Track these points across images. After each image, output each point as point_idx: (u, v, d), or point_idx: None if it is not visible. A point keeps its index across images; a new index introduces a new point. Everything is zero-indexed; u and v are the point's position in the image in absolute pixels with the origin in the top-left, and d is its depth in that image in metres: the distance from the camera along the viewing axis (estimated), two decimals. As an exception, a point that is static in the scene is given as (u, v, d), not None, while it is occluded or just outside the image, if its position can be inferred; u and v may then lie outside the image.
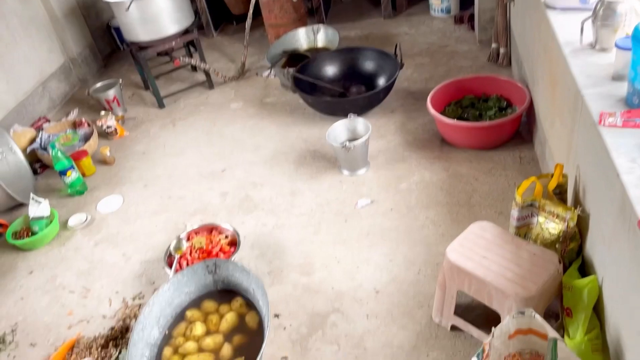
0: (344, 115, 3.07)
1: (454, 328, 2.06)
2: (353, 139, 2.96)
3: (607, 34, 1.89)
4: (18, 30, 4.00)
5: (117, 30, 4.98)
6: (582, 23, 1.96)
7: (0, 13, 3.83)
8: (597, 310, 1.75)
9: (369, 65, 3.73)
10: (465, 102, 3.17)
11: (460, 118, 3.00)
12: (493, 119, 2.92)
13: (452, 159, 2.94)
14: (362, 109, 3.31)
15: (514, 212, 2.03)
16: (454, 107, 3.15)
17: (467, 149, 2.96)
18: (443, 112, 3.03)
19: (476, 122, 2.93)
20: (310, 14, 4.79)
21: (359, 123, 3.01)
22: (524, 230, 2.04)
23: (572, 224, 1.85)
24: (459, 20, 4.44)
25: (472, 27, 4.21)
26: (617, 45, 1.74)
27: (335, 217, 2.73)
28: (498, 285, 1.78)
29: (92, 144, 3.59)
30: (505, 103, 3.07)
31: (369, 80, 3.67)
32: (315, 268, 2.47)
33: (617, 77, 1.77)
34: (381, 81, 3.59)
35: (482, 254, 1.89)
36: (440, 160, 2.94)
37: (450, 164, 2.90)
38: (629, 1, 1.87)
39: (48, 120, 3.99)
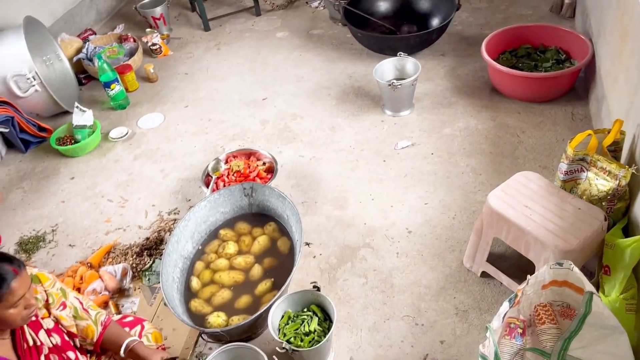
0: (393, 54, 2.99)
1: (484, 275, 2.06)
2: (400, 78, 2.89)
3: None
4: None
5: None
6: None
7: None
8: (637, 272, 1.73)
9: (423, 4, 3.59)
10: (520, 52, 3.04)
11: (514, 67, 2.88)
12: (549, 71, 2.80)
13: (500, 108, 2.85)
14: (412, 49, 3.20)
15: (563, 165, 1.97)
16: (509, 56, 3.03)
17: (517, 100, 2.87)
18: (496, 60, 2.92)
19: (530, 72, 2.82)
20: None
21: (409, 62, 2.92)
22: (570, 185, 1.99)
23: (624, 182, 1.80)
24: None
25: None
26: None
27: (374, 155, 2.71)
28: (538, 235, 1.75)
29: (137, 60, 3.60)
30: (564, 56, 2.93)
31: (421, 21, 3.55)
32: (349, 203, 2.48)
33: None
34: (435, 22, 3.46)
35: (524, 203, 1.86)
36: (487, 109, 2.86)
37: (498, 114, 2.82)
38: None
39: (94, 33, 4.00)
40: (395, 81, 2.75)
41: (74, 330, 1.70)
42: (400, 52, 2.93)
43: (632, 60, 2.00)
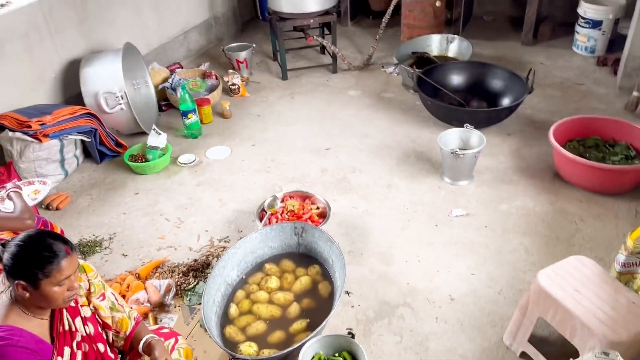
0: (459, 125, 3.05)
1: (523, 355, 2.00)
2: (463, 149, 2.92)
3: None
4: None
5: (261, 0, 5.27)
6: None
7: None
8: None
9: (495, 83, 3.65)
10: (589, 142, 3.03)
11: (580, 156, 2.86)
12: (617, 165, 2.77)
13: (561, 194, 2.82)
14: (479, 124, 3.25)
15: (621, 257, 1.94)
16: (576, 145, 3.02)
17: (580, 188, 2.84)
18: (563, 147, 2.91)
19: (598, 162, 2.79)
20: (448, 24, 4.75)
21: (474, 135, 2.97)
22: (626, 278, 1.94)
23: None
24: (601, 62, 4.23)
25: (615, 72, 4.00)
26: None
27: (426, 218, 2.73)
28: (586, 321, 1.70)
29: (215, 96, 3.83)
30: (634, 153, 2.90)
31: (492, 99, 3.60)
32: (395, 260, 2.48)
33: None
34: (505, 102, 3.51)
35: (575, 287, 1.81)
36: (548, 193, 2.84)
37: (558, 199, 2.79)
38: None
39: (181, 67, 4.30)
40: (458, 150, 2.79)
41: (109, 321, 1.76)
42: (467, 124, 2.99)
43: None
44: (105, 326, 1.77)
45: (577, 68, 4.22)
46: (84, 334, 1.68)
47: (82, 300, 1.71)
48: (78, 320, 1.67)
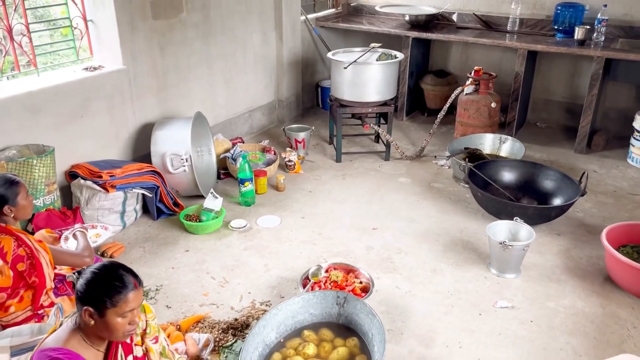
0: (508, 219, 3.06)
1: None
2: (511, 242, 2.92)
3: None
4: (251, 63, 4.72)
5: (323, 90, 5.62)
6: None
7: (244, 46, 4.57)
8: None
9: (547, 184, 3.68)
10: None
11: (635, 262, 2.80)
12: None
13: (612, 299, 2.74)
14: (528, 220, 3.24)
15: None
16: (630, 250, 2.96)
17: (633, 295, 2.75)
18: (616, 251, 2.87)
19: None
20: (501, 126, 4.88)
21: (523, 229, 2.97)
22: None
23: None
24: None
25: (671, 185, 3.96)
26: None
27: (470, 306, 2.68)
28: None
29: (272, 169, 4.01)
30: None
31: (542, 198, 3.62)
32: (436, 344, 2.43)
33: None
34: (556, 202, 3.52)
35: None
36: (598, 296, 2.76)
37: (609, 303, 2.70)
38: None
39: (243, 141, 4.55)
40: (507, 241, 2.79)
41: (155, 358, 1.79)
42: (517, 217, 3.01)
43: None
44: None
45: (631, 179, 4.20)
46: None
47: (137, 339, 1.77)
48: (130, 358, 1.72)
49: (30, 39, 3.18)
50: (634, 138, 4.39)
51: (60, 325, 1.68)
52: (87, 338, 1.61)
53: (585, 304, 2.70)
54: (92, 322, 1.56)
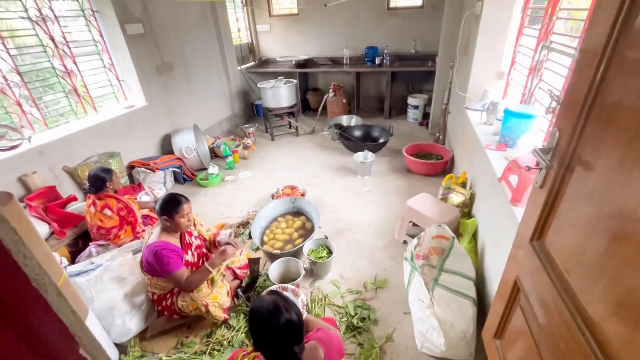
0: (361, 151, 3.30)
1: (404, 242, 2.18)
2: (365, 161, 3.21)
3: (492, 117, 2.13)
4: (215, 93, 4.49)
5: (256, 106, 5.47)
6: (481, 113, 2.21)
7: (209, 84, 4.34)
8: (474, 235, 1.89)
9: (375, 133, 3.94)
10: (421, 154, 3.33)
11: (418, 159, 3.15)
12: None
13: (410, 177, 3.10)
14: (371, 150, 3.53)
15: (440, 190, 2.22)
16: (417, 155, 3.33)
17: (418, 174, 3.11)
18: (411, 156, 3.19)
19: (426, 160, 3.09)
20: (350, 111, 5.10)
21: (369, 154, 3.22)
22: (445, 199, 2.20)
23: (467, 197, 2.04)
24: (421, 124, 4.68)
25: (427, 126, 4.48)
26: (497, 119, 1.99)
27: (351, 193, 2.92)
28: (430, 216, 1.94)
29: (239, 149, 3.94)
30: (440, 157, 3.25)
31: (374, 140, 3.90)
32: (341, 212, 2.65)
33: (496, 133, 2.01)
34: (381, 140, 3.82)
35: (423, 204, 2.05)
36: (404, 178, 3.11)
37: (410, 180, 3.06)
38: (503, 102, 2.13)
39: (219, 137, 4.38)
40: (363, 160, 3.07)
41: (205, 236, 1.81)
42: (365, 150, 3.29)
43: (469, 148, 2.35)
44: (204, 239, 1.81)
45: (409, 128, 4.56)
46: (195, 245, 1.74)
47: (192, 228, 1.77)
48: (193, 238, 1.73)
49: (89, 94, 2.84)
50: (409, 109, 4.77)
51: (151, 234, 1.67)
52: (168, 233, 1.61)
53: (400, 182, 3.04)
54: (168, 224, 1.57)
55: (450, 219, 1.91)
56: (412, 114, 4.74)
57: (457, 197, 2.11)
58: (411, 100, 4.60)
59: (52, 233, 1.96)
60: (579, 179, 0.75)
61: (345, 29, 5.01)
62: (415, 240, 1.78)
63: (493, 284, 1.50)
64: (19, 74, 2.21)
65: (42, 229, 1.90)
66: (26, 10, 2.26)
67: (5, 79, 2.13)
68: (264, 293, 1.07)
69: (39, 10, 2.33)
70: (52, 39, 2.42)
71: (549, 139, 0.86)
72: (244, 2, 5.17)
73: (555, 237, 0.83)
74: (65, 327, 0.53)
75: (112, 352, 1.51)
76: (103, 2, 2.74)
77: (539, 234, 0.89)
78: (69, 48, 2.56)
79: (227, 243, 1.77)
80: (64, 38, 2.50)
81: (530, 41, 2.02)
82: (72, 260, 1.95)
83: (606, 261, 0.67)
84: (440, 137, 3.76)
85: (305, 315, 1.32)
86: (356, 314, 1.72)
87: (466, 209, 2.08)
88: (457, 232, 1.96)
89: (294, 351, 0.93)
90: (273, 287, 1.74)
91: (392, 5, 4.73)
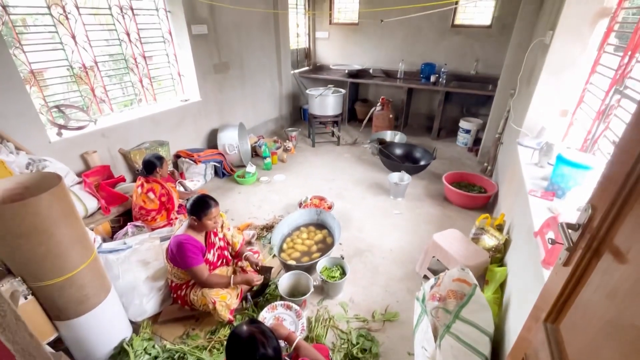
0: (398, 172, 3.23)
1: (425, 277, 2.09)
2: (400, 182, 3.11)
3: (544, 159, 1.95)
4: (265, 95, 4.68)
5: (303, 110, 5.58)
6: (533, 152, 2.02)
7: (262, 87, 4.54)
8: (502, 286, 1.75)
9: (417, 154, 3.82)
10: (463, 184, 3.16)
11: (458, 189, 2.99)
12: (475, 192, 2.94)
13: (446, 207, 2.94)
14: (408, 171, 3.40)
15: (472, 230, 2.08)
16: (456, 185, 3.13)
17: (456, 205, 2.94)
18: (450, 185, 3.03)
19: (466, 192, 2.92)
20: (395, 127, 5.00)
21: (405, 175, 3.12)
22: (476, 240, 2.07)
23: (502, 242, 1.89)
24: (470, 150, 4.43)
25: (477, 154, 4.20)
26: (549, 164, 1.82)
27: (380, 213, 2.86)
28: (455, 256, 1.84)
29: (279, 152, 4.06)
30: (483, 190, 3.05)
31: (415, 161, 3.76)
32: (364, 231, 2.61)
33: (545, 178, 1.84)
34: (421, 163, 3.68)
35: (450, 242, 1.94)
36: (440, 206, 2.96)
37: (445, 209, 2.91)
38: (558, 144, 1.94)
39: (263, 137, 4.57)
40: (398, 182, 2.99)
41: (229, 240, 1.88)
42: (402, 170, 3.19)
43: (514, 187, 2.17)
44: (227, 243, 1.89)
45: (457, 152, 4.33)
46: (218, 246, 1.81)
47: (218, 229, 1.84)
48: (217, 239, 1.80)
49: (152, 85, 3.14)
50: (460, 132, 4.54)
51: (182, 224, 1.79)
52: (194, 230, 1.69)
53: (434, 210, 2.91)
54: (196, 223, 1.65)
55: (478, 263, 1.78)
56: (462, 138, 4.50)
57: (490, 240, 1.95)
58: (463, 124, 4.40)
59: (99, 208, 2.21)
60: (605, 270, 0.66)
61: (404, 43, 4.91)
62: (432, 280, 1.69)
63: (512, 345, 1.37)
64: (96, 63, 2.54)
65: (91, 204, 2.16)
66: (110, 8, 2.59)
67: (84, 67, 2.47)
68: (243, 321, 1.05)
69: (121, 8, 2.65)
70: (128, 34, 2.74)
71: (581, 213, 0.76)
72: (306, 8, 5.33)
73: (571, 325, 0.74)
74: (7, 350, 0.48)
75: (127, 329, 1.66)
76: (175, 3, 3.02)
77: (555, 317, 0.79)
78: (141, 43, 2.87)
79: (252, 252, 1.83)
80: (138, 34, 2.82)
81: (603, 81, 1.81)
82: (112, 235, 2.18)
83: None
84: (489, 167, 3.52)
85: (297, 339, 1.33)
86: (358, 343, 1.68)
87: (498, 255, 1.92)
88: (483, 279, 1.84)
89: None
90: (270, 310, 1.74)
91: (457, 22, 4.52)
